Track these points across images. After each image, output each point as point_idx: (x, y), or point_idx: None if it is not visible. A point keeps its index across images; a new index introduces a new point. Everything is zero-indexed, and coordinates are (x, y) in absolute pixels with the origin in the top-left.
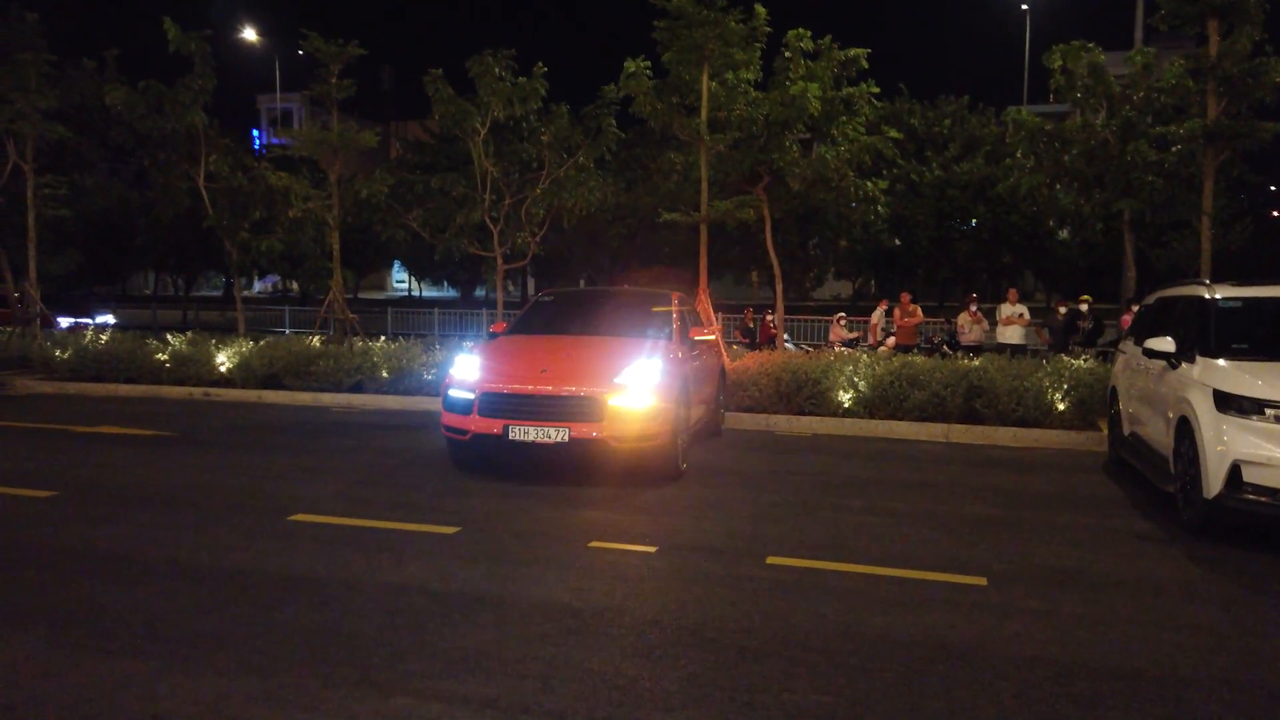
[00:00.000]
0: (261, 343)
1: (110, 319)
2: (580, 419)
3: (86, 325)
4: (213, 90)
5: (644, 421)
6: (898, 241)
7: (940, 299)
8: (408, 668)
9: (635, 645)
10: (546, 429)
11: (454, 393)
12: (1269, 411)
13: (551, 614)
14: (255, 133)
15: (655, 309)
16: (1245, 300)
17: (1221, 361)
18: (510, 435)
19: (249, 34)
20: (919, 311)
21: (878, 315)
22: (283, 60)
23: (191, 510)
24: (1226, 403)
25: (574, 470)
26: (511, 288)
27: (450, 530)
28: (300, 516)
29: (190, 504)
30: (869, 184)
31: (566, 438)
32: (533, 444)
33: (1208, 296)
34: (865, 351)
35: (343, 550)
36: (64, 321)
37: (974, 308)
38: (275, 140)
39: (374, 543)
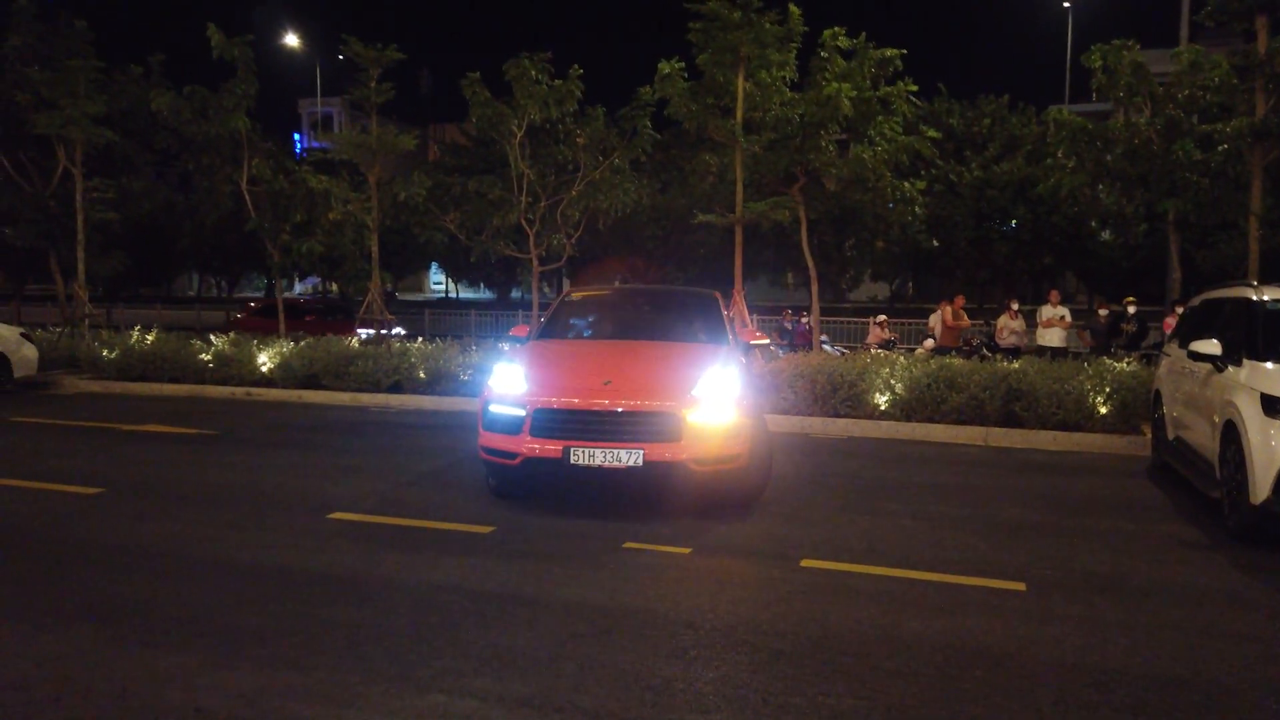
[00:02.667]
0: (301, 344)
1: (401, 330)
2: (656, 438)
3: (387, 336)
4: (255, 95)
5: (726, 439)
6: (936, 243)
7: (980, 301)
8: (443, 665)
9: (669, 646)
10: (617, 451)
11: (497, 409)
12: None
13: (585, 614)
14: (296, 136)
15: (701, 309)
16: None
17: (1269, 365)
18: (572, 459)
19: (290, 39)
20: (965, 316)
21: (935, 319)
22: (323, 65)
23: (233, 508)
24: (1274, 407)
25: (644, 497)
26: (547, 289)
27: (485, 530)
28: (339, 515)
29: (232, 502)
30: (906, 184)
31: (640, 461)
32: (600, 469)
33: (1255, 298)
34: (902, 354)
35: (380, 549)
36: (363, 332)
37: (1014, 308)
38: (316, 144)
39: (410, 541)
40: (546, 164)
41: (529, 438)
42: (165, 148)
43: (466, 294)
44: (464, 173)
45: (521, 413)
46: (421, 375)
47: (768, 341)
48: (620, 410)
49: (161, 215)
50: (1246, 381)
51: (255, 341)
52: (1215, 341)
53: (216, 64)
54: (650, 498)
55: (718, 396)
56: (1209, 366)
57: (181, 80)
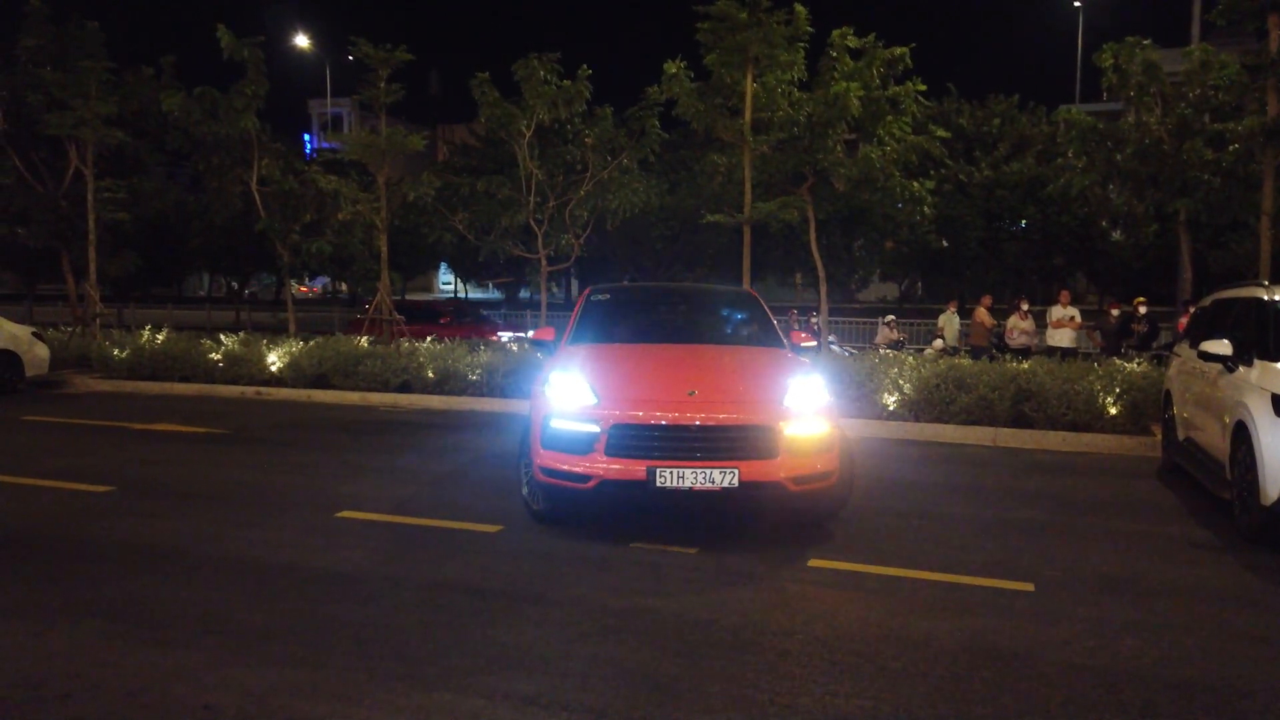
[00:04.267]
0: (311, 343)
1: (839, 348)
2: (751, 455)
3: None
4: (265, 95)
5: (821, 455)
6: (945, 243)
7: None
8: (449, 663)
9: (676, 645)
10: (710, 471)
11: (561, 424)
12: None
13: (592, 613)
14: (306, 137)
15: (746, 309)
16: None
17: (1278, 365)
18: (658, 481)
19: (300, 40)
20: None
21: (945, 319)
22: (333, 65)
23: (242, 506)
24: None
25: (729, 520)
26: (555, 289)
27: (493, 529)
28: (347, 513)
29: (241, 500)
30: (915, 184)
31: (735, 481)
32: (690, 491)
33: (1267, 298)
34: (911, 354)
35: (388, 547)
36: (505, 335)
37: (1024, 309)
38: (326, 144)
39: (418, 540)
40: (555, 164)
41: (604, 457)
42: (176, 148)
43: (475, 294)
44: (473, 173)
45: (594, 429)
46: (430, 375)
47: (816, 344)
48: (714, 425)
49: (172, 215)
50: (1257, 382)
51: (265, 341)
52: (1226, 341)
53: (226, 65)
54: (736, 521)
55: (810, 407)
56: (1219, 367)
57: (192, 81)
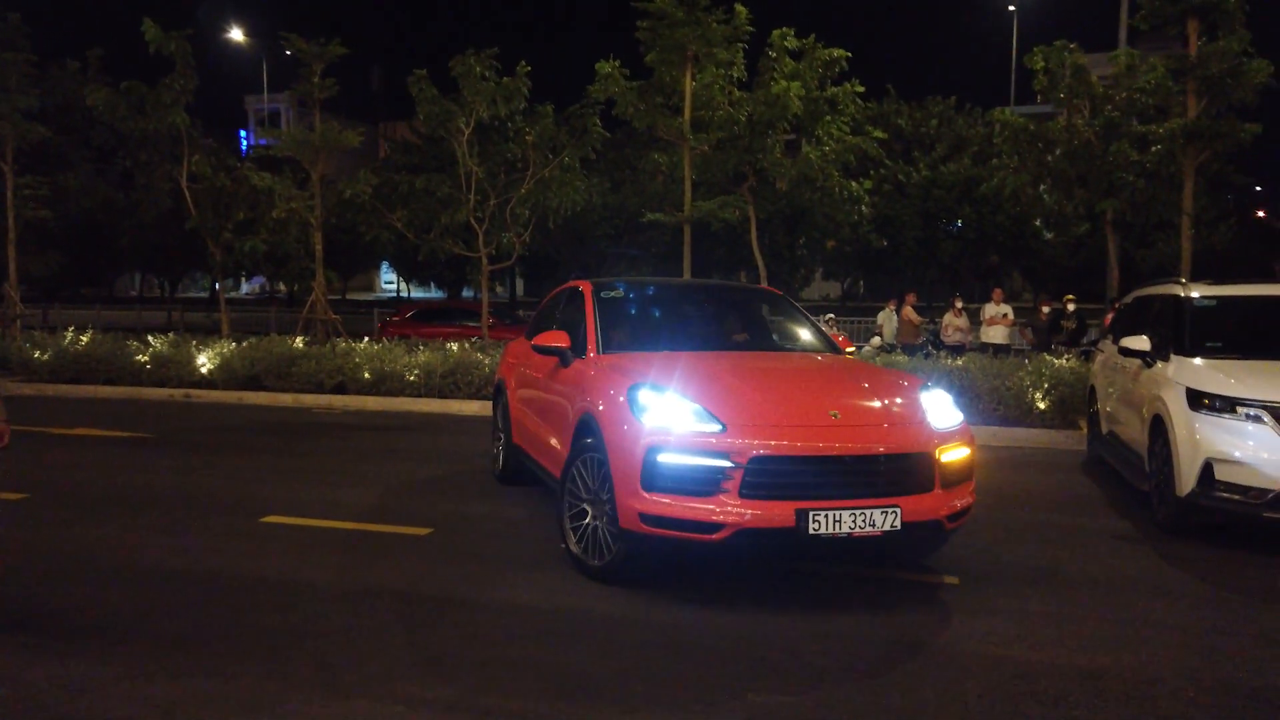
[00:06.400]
0: (244, 344)
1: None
2: (912, 489)
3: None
4: (194, 90)
5: (968, 485)
6: (884, 242)
7: (929, 300)
8: (370, 670)
9: (602, 646)
10: (869, 512)
11: (676, 458)
12: (1240, 410)
13: (522, 616)
14: (243, 133)
15: (785, 310)
16: (1220, 299)
17: (1195, 360)
18: (811, 526)
19: (236, 34)
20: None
21: (883, 316)
22: (270, 61)
23: (164, 512)
24: (1199, 401)
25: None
26: (500, 289)
27: (423, 532)
28: (273, 518)
29: (164, 506)
30: (854, 184)
31: (898, 522)
32: (849, 538)
33: (1183, 295)
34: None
35: (314, 552)
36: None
37: (959, 306)
38: (263, 141)
39: (345, 544)
40: (495, 162)
41: (738, 499)
42: (102, 144)
43: (419, 293)
44: (414, 170)
45: (723, 463)
46: (366, 376)
47: (853, 349)
48: (873, 454)
49: (101, 213)
50: (1173, 377)
51: (195, 342)
52: (1144, 338)
53: (159, 59)
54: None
55: (954, 427)
56: (1139, 362)
57: (123, 76)
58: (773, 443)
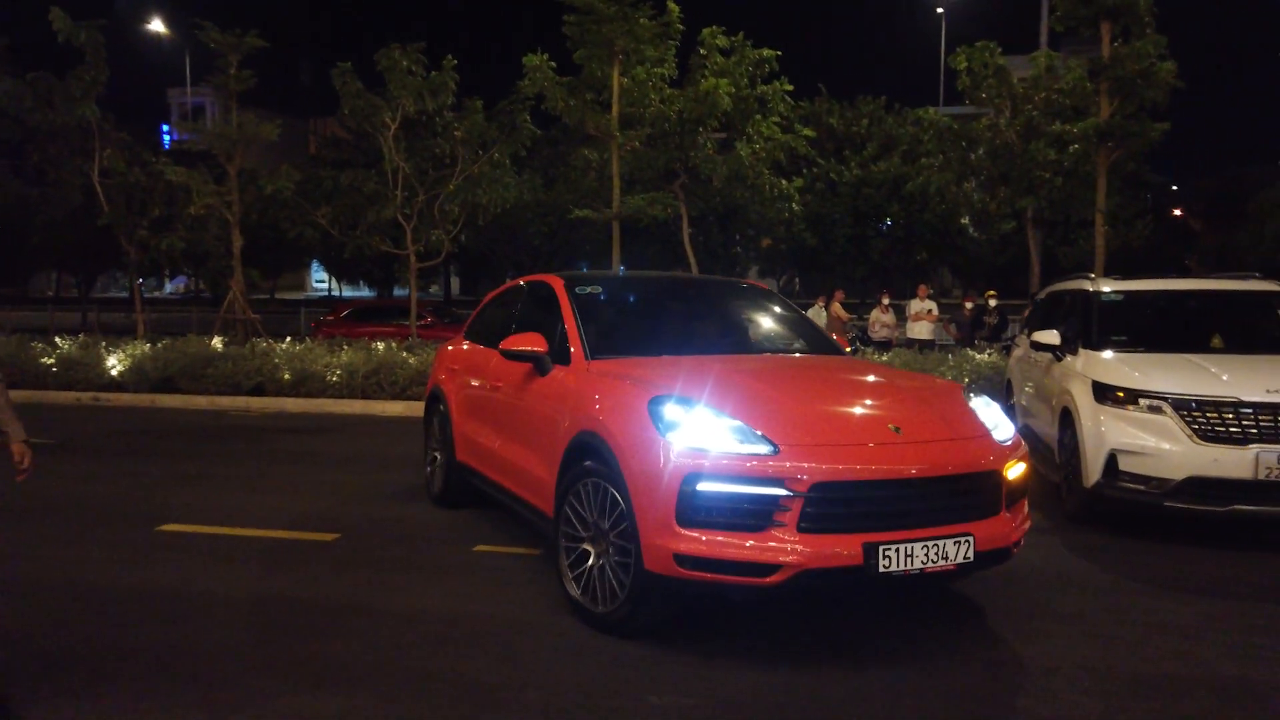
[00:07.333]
0: (159, 345)
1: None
2: (983, 513)
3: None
4: (105, 82)
5: (1024, 500)
6: (816, 240)
7: (861, 296)
8: (255, 684)
9: (501, 652)
10: (942, 543)
11: (722, 486)
12: (1143, 402)
13: (421, 622)
14: (165, 127)
15: (782, 308)
16: (1126, 294)
17: (1102, 354)
18: (881, 563)
19: (157, 25)
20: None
21: (813, 313)
22: (195, 52)
23: (57, 522)
24: (1104, 393)
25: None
26: (435, 288)
27: (329, 538)
28: (171, 526)
29: (57, 515)
30: (784, 182)
31: (971, 553)
32: (921, 575)
33: (1091, 290)
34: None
35: (211, 561)
36: None
37: (885, 303)
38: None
39: (246, 552)
40: (423, 158)
41: (796, 534)
42: (8, 138)
43: (350, 292)
44: (342, 166)
45: (780, 491)
46: (286, 377)
47: (851, 350)
48: (943, 475)
49: (14, 210)
50: (1082, 370)
51: (104, 343)
52: (1054, 332)
53: (66, 50)
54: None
55: (1012, 438)
56: (1050, 356)
57: (34, 67)
58: (838, 466)
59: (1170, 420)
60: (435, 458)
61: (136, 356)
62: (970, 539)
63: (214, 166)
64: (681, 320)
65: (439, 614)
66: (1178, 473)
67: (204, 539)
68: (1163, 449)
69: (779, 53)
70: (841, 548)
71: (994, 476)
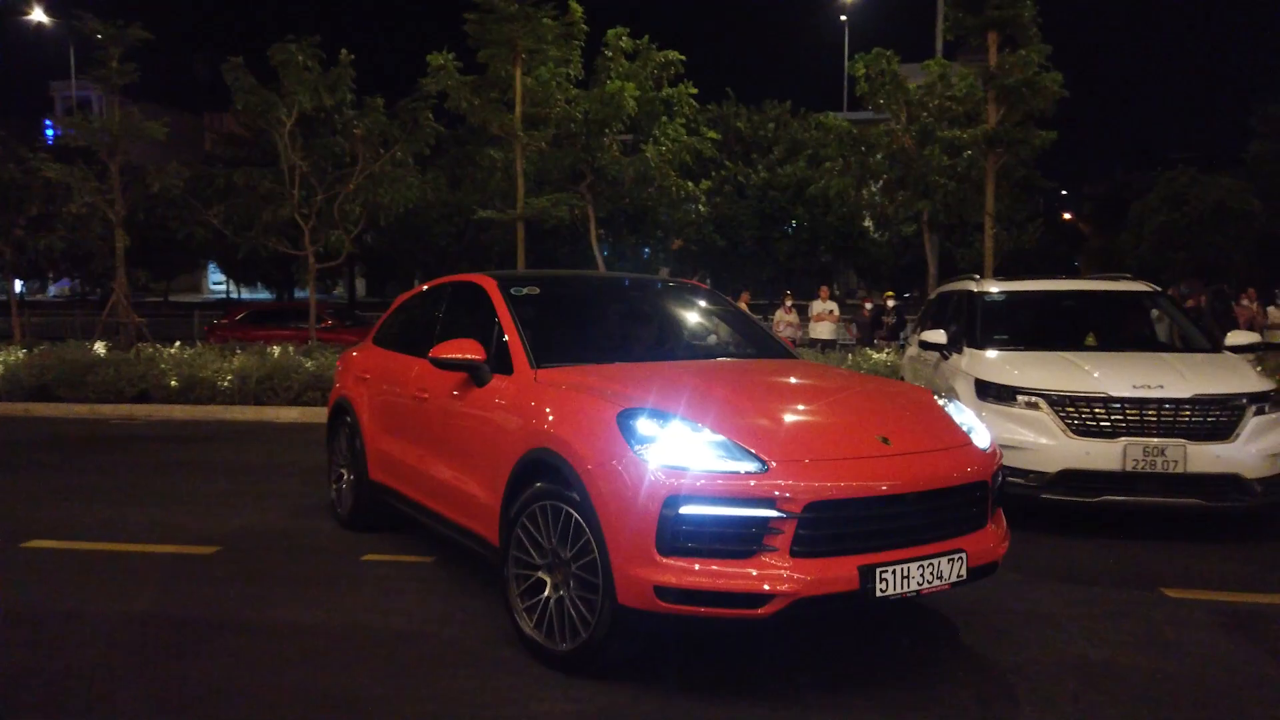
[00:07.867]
0: (35, 350)
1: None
2: (973, 527)
3: None
4: None
5: (1000, 510)
6: (724, 242)
7: (768, 298)
8: (113, 706)
9: (385, 664)
10: (936, 561)
11: (706, 509)
12: (1020, 398)
13: (304, 636)
14: (49, 122)
15: (723, 307)
16: (1007, 294)
17: (984, 352)
18: (878, 587)
19: (38, 15)
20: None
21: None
22: (80, 44)
23: None
24: (985, 390)
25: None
26: (339, 290)
27: (208, 550)
28: (37, 543)
29: None
30: (689, 184)
31: (964, 571)
32: (917, 595)
33: (975, 290)
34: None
35: (78, 578)
36: None
37: (789, 304)
38: (72, 130)
39: (117, 568)
40: (322, 156)
41: (789, 559)
42: None
43: (249, 295)
44: (237, 164)
45: (771, 513)
46: (173, 383)
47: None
48: (936, 488)
49: None
50: (965, 368)
51: None
52: (941, 332)
53: None
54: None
55: (992, 444)
56: (938, 354)
57: None
58: (833, 483)
59: (1046, 416)
60: (343, 475)
61: (10, 363)
62: (963, 555)
63: (96, 163)
64: (627, 323)
65: (322, 627)
66: (1053, 466)
67: (73, 555)
68: (1040, 443)
69: (684, 56)
70: (838, 572)
71: (983, 488)
